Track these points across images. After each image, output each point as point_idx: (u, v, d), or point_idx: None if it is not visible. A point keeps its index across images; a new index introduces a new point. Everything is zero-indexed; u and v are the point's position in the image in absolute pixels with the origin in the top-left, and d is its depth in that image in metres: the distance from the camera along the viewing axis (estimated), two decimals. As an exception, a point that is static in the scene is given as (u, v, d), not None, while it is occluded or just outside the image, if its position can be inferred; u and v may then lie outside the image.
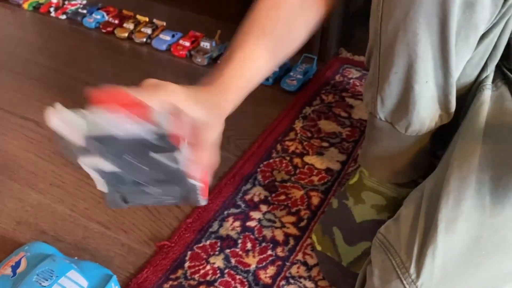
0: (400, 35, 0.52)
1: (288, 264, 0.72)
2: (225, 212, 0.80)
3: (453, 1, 0.47)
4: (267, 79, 1.13)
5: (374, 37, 0.57)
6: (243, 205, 0.81)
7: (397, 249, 0.55)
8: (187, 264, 0.72)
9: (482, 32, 0.54)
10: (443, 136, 0.65)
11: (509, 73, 0.63)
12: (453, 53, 0.52)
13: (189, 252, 0.73)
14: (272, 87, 1.13)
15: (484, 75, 0.62)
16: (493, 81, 0.63)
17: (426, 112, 0.59)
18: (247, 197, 0.83)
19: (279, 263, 0.72)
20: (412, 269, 0.52)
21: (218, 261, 0.72)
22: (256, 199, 0.83)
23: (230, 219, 0.79)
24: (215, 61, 1.20)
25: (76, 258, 0.71)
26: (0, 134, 0.96)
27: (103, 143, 0.41)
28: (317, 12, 0.60)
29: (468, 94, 0.64)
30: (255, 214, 0.80)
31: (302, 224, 0.78)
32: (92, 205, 0.82)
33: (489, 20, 0.52)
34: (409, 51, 0.53)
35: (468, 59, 0.57)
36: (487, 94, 0.61)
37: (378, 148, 0.67)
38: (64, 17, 1.36)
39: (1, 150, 0.92)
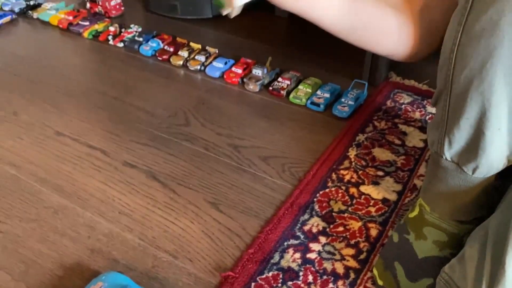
0: (474, 84, 0.53)
1: (349, 297, 0.74)
2: (285, 243, 0.83)
3: None
4: (318, 105, 1.16)
5: (444, 83, 0.58)
6: (302, 236, 0.84)
7: None
8: (251, 295, 0.75)
9: None
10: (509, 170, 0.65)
11: None
12: None
13: (253, 284, 0.76)
14: (323, 114, 1.15)
15: None
16: None
17: (496, 156, 0.59)
18: (306, 227, 0.85)
19: (341, 296, 0.74)
20: None
21: (281, 293, 0.75)
22: (314, 230, 0.85)
23: (290, 251, 0.81)
24: (267, 88, 1.24)
25: (148, 288, 0.75)
26: (70, 162, 1.03)
27: None
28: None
29: None
30: (315, 246, 0.82)
31: (362, 256, 0.80)
32: (159, 233, 0.86)
33: None
34: (483, 100, 0.54)
35: None
36: None
37: (442, 185, 0.68)
38: (121, 45, 1.43)
39: (72, 178, 0.98)
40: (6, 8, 1.62)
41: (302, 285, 0.76)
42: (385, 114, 1.13)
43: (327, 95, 1.18)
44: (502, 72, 0.50)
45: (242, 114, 1.17)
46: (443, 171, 0.65)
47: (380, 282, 0.72)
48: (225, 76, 1.28)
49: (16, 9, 1.60)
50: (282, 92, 1.21)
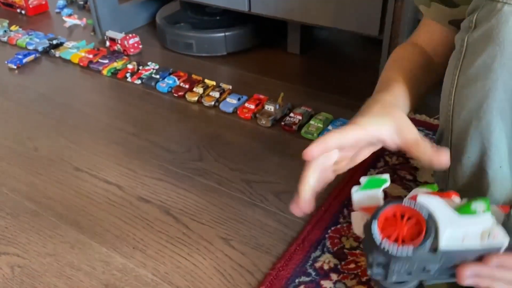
0: (473, 124, 0.55)
1: (361, 336, 0.74)
2: (297, 280, 0.83)
3: None
4: (330, 141, 1.17)
5: (445, 123, 0.60)
6: (313, 273, 0.84)
7: None
8: (262, 333, 0.75)
9: None
10: None
11: None
12: None
13: (264, 321, 0.77)
14: (335, 149, 1.17)
15: None
16: None
17: (499, 193, 0.60)
18: (317, 264, 0.86)
19: (352, 335, 0.74)
20: None
21: (292, 331, 0.75)
22: (326, 267, 0.85)
23: None
24: (279, 122, 1.26)
25: (160, 324, 0.76)
26: (87, 197, 1.05)
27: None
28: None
29: None
30: (326, 283, 0.82)
31: (373, 294, 0.80)
32: (171, 269, 0.87)
33: None
34: (482, 139, 0.55)
35: None
36: None
37: None
38: (139, 82, 1.48)
39: (89, 214, 1.01)
40: (31, 47, 1.70)
41: (313, 323, 0.76)
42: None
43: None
44: (499, 112, 0.52)
45: (255, 149, 1.19)
46: None
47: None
48: (238, 112, 1.31)
49: (40, 48, 1.68)
50: (294, 127, 1.23)
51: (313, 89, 1.42)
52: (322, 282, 0.83)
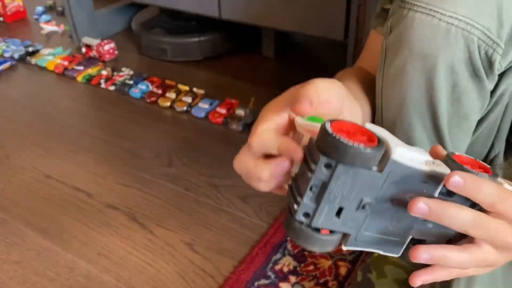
0: (398, 125, 0.57)
1: (315, 337, 0.76)
2: (256, 283, 0.85)
3: (439, 98, 0.52)
4: (298, 145, 1.19)
5: (379, 125, 0.62)
6: (273, 276, 0.86)
7: None
8: (219, 336, 0.77)
9: (476, 120, 0.57)
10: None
11: None
12: (447, 139, 0.56)
13: (222, 324, 0.78)
14: (303, 153, 1.19)
15: (493, 154, 0.65)
16: (506, 159, 0.66)
17: None
18: (277, 267, 0.87)
19: (307, 336, 0.76)
20: None
21: (248, 334, 0.77)
22: (285, 269, 0.87)
23: (261, 290, 0.83)
24: (250, 127, 1.28)
25: (119, 329, 0.77)
26: (56, 205, 1.07)
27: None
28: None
29: None
30: (284, 286, 0.84)
31: (329, 295, 0.82)
32: (135, 275, 0.89)
33: (481, 109, 0.56)
34: (407, 137, 0.57)
35: (468, 141, 0.60)
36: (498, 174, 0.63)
37: None
38: (113, 88, 1.49)
39: (57, 221, 1.02)
40: (7, 55, 1.71)
41: (269, 325, 0.78)
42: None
43: (306, 134, 1.22)
44: (417, 113, 0.54)
45: (225, 154, 1.20)
46: None
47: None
48: (210, 116, 1.32)
49: (16, 56, 1.69)
50: (263, 131, 1.25)
51: (285, 93, 1.44)
52: (281, 284, 0.84)
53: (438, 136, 0.56)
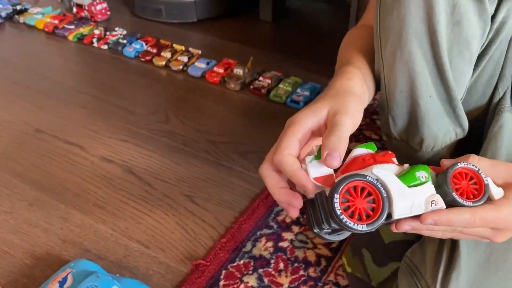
0: (398, 56, 0.54)
1: (320, 284, 0.74)
2: (258, 233, 0.82)
3: (438, 20, 0.50)
4: (298, 103, 1.17)
5: (378, 61, 0.59)
6: (275, 226, 0.84)
7: (422, 272, 0.56)
8: (222, 283, 0.74)
9: (477, 47, 0.55)
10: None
11: None
12: (447, 68, 0.54)
13: (223, 271, 0.76)
14: (303, 111, 1.16)
15: (497, 97, 0.63)
16: None
17: (437, 126, 0.60)
18: (279, 218, 0.85)
19: (311, 283, 0.74)
20: None
21: (251, 280, 0.74)
22: (288, 220, 0.85)
23: (263, 240, 0.81)
24: (248, 87, 1.25)
25: (118, 275, 0.74)
26: (47, 158, 1.03)
27: None
28: None
29: (487, 115, 0.65)
30: (287, 235, 0.82)
31: (334, 245, 0.80)
32: (132, 224, 0.86)
33: (482, 35, 0.54)
34: (408, 69, 0.55)
35: (470, 74, 0.58)
36: (506, 116, 0.61)
37: None
38: (105, 47, 1.44)
39: (49, 173, 0.98)
40: (-7, 13, 1.64)
41: (273, 272, 0.76)
42: (364, 111, 1.13)
43: (306, 93, 1.19)
44: (417, 40, 0.52)
45: (223, 112, 1.17)
46: (397, 152, 0.66)
47: (349, 269, 0.72)
48: (206, 76, 1.29)
49: (3, 14, 1.62)
50: (263, 90, 1.22)
51: (283, 55, 1.41)
52: (284, 234, 0.82)
53: (438, 66, 0.54)
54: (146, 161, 1.01)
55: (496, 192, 0.46)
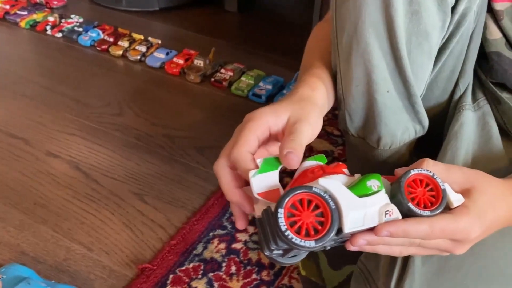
0: (354, 47, 0.51)
1: (273, 288, 0.70)
2: (211, 234, 0.78)
3: (395, 9, 0.47)
4: (260, 97, 1.12)
5: (334, 53, 0.56)
6: (229, 226, 0.79)
7: (375, 279, 0.53)
8: (168, 288, 0.69)
9: (437, 40, 0.52)
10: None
11: (494, 89, 0.61)
12: (406, 61, 0.51)
13: (171, 276, 0.71)
14: (266, 105, 1.11)
15: (458, 93, 0.60)
16: (475, 100, 0.61)
17: (395, 123, 0.57)
18: (234, 218, 0.81)
19: (264, 287, 0.70)
20: None
21: (200, 285, 0.70)
22: (243, 220, 0.80)
23: (215, 241, 0.76)
24: (209, 79, 1.19)
25: (53, 281, 0.69)
26: (-12, 152, 0.95)
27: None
28: None
29: (449, 111, 0.62)
30: (241, 236, 0.77)
31: (289, 246, 0.76)
32: (75, 225, 0.80)
33: (442, 27, 0.51)
34: (364, 62, 0.51)
35: (430, 69, 0.55)
36: (466, 115, 0.58)
37: (358, 165, 0.65)
38: (60, 35, 1.36)
39: (-13, 169, 0.91)
40: None
41: (224, 276, 0.71)
42: (328, 106, 1.10)
43: (269, 86, 1.14)
44: (373, 30, 0.48)
45: (181, 105, 1.12)
46: (355, 149, 0.62)
47: (303, 272, 0.68)
48: (166, 67, 1.23)
49: (-50, -3, 1.51)
50: (224, 83, 1.17)
51: (248, 47, 1.36)
52: (238, 235, 0.78)
53: (396, 59, 0.51)
54: (95, 156, 0.95)
55: (455, 198, 0.42)
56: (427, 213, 0.40)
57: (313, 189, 0.37)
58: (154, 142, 0.99)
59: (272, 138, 0.46)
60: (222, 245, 0.76)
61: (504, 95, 0.60)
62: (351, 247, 0.42)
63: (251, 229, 0.79)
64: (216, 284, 0.70)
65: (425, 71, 0.56)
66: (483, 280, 0.49)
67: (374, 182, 0.41)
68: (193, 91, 1.17)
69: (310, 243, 0.36)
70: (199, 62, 1.21)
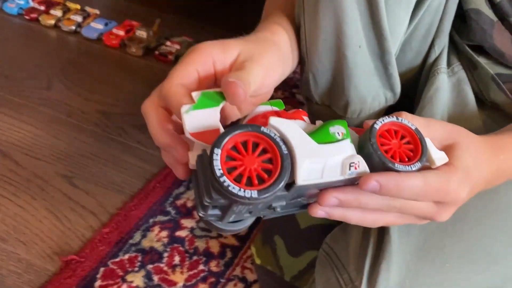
0: None
1: (223, 281, 0.60)
2: (151, 220, 0.67)
3: None
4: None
5: (299, 1, 0.47)
6: (173, 212, 0.69)
7: (344, 263, 0.45)
8: (98, 283, 0.58)
9: None
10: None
11: (471, 52, 0.55)
12: (383, 10, 0.44)
13: (102, 269, 0.60)
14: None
15: (433, 56, 0.54)
16: (449, 65, 0.55)
17: (365, 87, 0.50)
18: (179, 202, 0.71)
19: (212, 279, 0.60)
20: None
21: (137, 279, 0.59)
22: (189, 204, 0.70)
23: (156, 229, 0.66)
24: (152, 52, 1.08)
25: (-48, 279, 0.56)
26: None
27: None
28: None
29: (421, 77, 0.56)
30: (187, 222, 0.68)
31: (242, 232, 0.67)
32: (-14, 213, 0.67)
33: None
34: (335, 9, 0.43)
35: (406, 25, 0.48)
36: (442, 78, 0.52)
37: None
38: (-19, 1, 1.20)
39: None
40: None
41: (165, 268, 0.61)
42: (283, 83, 1.02)
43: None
44: None
45: (120, 80, 1.00)
46: (318, 119, 0.55)
47: (258, 261, 0.59)
48: (104, 38, 1.10)
49: None
50: (170, 57, 1.06)
51: (196, 20, 1.25)
52: (183, 221, 0.68)
53: (372, 7, 0.44)
54: (16, 134, 0.82)
55: (437, 156, 0.34)
56: (406, 168, 0.32)
57: (262, 128, 0.30)
58: (87, 119, 0.87)
59: (217, 79, 0.37)
60: (164, 233, 0.66)
61: (481, 60, 0.54)
62: (316, 210, 0.34)
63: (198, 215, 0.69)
64: (156, 278, 0.60)
65: (401, 27, 0.49)
66: (467, 262, 0.43)
67: (338, 129, 0.33)
68: (134, 65, 1.05)
69: (252, 193, 0.28)
70: (141, 34, 1.09)
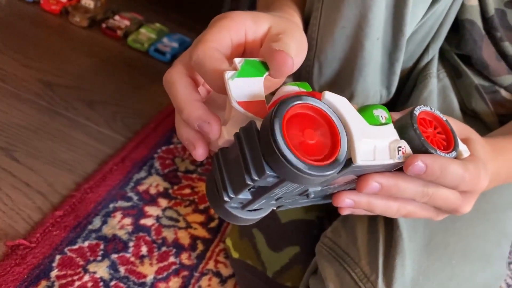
0: None
1: (196, 274, 0.55)
2: (111, 206, 0.60)
3: None
4: (164, 54, 0.96)
5: None
6: (135, 198, 0.62)
7: (355, 258, 0.44)
8: (54, 273, 0.50)
9: None
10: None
11: (458, 60, 0.57)
12: (409, 5, 0.43)
13: (58, 256, 0.52)
14: (170, 64, 0.95)
15: (425, 60, 0.55)
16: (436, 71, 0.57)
17: (371, 81, 0.49)
18: (141, 187, 0.64)
19: (186, 273, 0.55)
20: (381, 284, 0.40)
21: (100, 270, 0.52)
22: (153, 191, 0.64)
23: (118, 215, 0.59)
24: (99, 25, 0.98)
25: None
26: None
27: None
28: None
29: (409, 80, 0.57)
30: (152, 210, 0.61)
31: (213, 224, 0.62)
32: None
33: None
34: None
35: (418, 21, 0.49)
36: (433, 83, 0.54)
37: None
38: None
39: None
40: None
41: (132, 258, 0.54)
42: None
43: (175, 44, 0.99)
44: None
45: (63, 49, 0.89)
46: None
47: (235, 255, 0.55)
48: (42, 2, 0.98)
49: None
50: (118, 32, 0.97)
51: (150, 2, 1.17)
52: (147, 208, 0.61)
53: (399, 3, 0.43)
54: None
55: (463, 148, 0.35)
56: (446, 155, 0.32)
57: (320, 103, 0.28)
58: (26, 87, 0.76)
59: (245, 50, 0.34)
60: (127, 220, 0.59)
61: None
62: (343, 199, 0.33)
63: (163, 203, 0.63)
64: (122, 269, 0.53)
65: (415, 23, 0.49)
66: (467, 260, 0.44)
67: (381, 113, 0.32)
68: (78, 36, 0.95)
69: (320, 171, 0.26)
70: (87, 3, 0.99)
